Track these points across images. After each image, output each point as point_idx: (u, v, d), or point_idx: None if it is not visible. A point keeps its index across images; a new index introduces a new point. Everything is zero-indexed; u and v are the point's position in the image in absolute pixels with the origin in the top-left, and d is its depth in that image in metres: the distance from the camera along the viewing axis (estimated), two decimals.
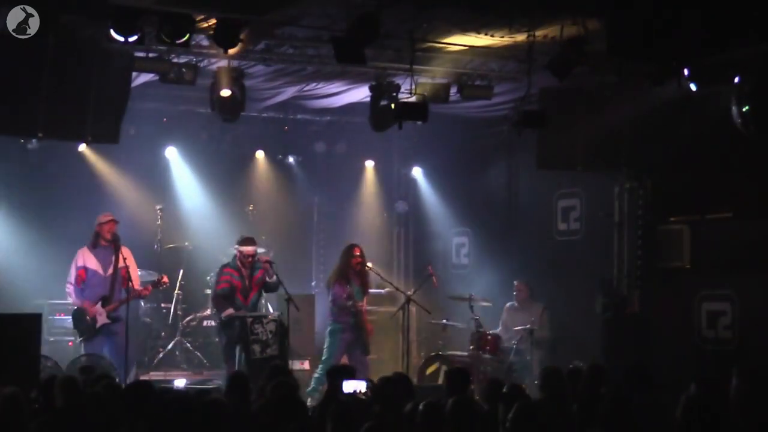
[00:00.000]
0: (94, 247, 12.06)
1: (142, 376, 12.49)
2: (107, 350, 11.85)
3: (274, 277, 12.33)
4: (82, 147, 14.06)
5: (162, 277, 12.47)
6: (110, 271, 11.98)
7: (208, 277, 14.37)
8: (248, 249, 12.42)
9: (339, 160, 16.21)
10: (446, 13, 10.57)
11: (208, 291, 14.37)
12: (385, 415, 7.34)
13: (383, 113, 12.35)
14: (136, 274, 12.25)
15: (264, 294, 13.30)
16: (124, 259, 11.92)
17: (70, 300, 12.16)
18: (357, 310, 12.50)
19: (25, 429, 6.63)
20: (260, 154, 16.09)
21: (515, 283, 13.91)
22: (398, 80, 12.38)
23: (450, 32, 11.23)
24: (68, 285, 12.01)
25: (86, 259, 12.01)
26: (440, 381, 12.27)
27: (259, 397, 8.46)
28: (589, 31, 10.32)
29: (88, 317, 11.90)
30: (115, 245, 11.99)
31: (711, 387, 7.33)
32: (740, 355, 11.41)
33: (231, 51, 10.65)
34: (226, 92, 11.81)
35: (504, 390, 8.07)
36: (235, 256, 12.48)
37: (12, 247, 14.05)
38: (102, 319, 11.90)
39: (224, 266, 12.53)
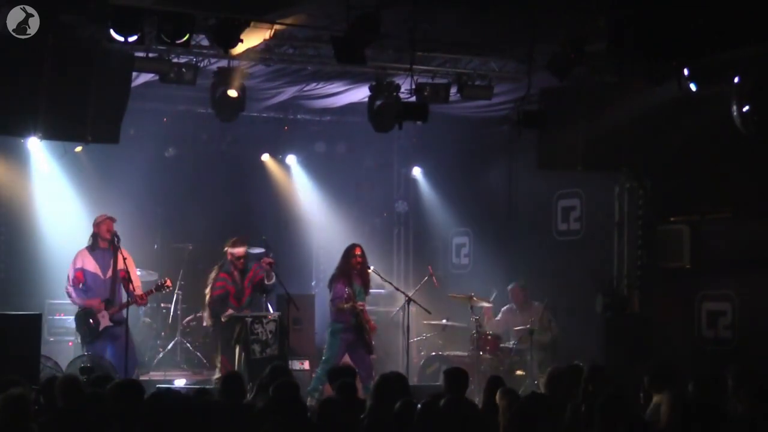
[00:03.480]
0: (92, 249, 11.96)
1: (142, 376, 12.46)
2: (109, 354, 11.78)
3: (273, 279, 12.31)
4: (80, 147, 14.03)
5: (165, 281, 12.39)
6: (109, 273, 11.90)
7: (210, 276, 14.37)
8: (238, 250, 12.40)
9: (339, 160, 16.21)
10: (446, 12, 10.57)
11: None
12: (378, 412, 7.34)
13: (383, 113, 12.35)
14: (136, 276, 12.19)
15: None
16: (124, 259, 11.82)
17: (69, 300, 12.12)
18: (356, 311, 12.47)
19: (29, 430, 6.62)
20: (264, 156, 16.07)
21: (509, 287, 13.85)
22: (398, 80, 12.38)
23: (450, 32, 11.23)
24: (67, 287, 11.93)
25: (85, 261, 11.90)
26: (440, 381, 12.26)
27: (257, 396, 8.47)
28: (590, 30, 10.33)
29: (91, 320, 11.81)
30: (114, 247, 11.92)
31: (709, 386, 7.33)
32: (740, 355, 11.40)
33: (233, 51, 10.65)
34: (233, 92, 11.78)
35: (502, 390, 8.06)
36: (227, 259, 12.47)
37: (12, 247, 14.04)
38: (105, 322, 11.78)
39: (219, 271, 12.51)
